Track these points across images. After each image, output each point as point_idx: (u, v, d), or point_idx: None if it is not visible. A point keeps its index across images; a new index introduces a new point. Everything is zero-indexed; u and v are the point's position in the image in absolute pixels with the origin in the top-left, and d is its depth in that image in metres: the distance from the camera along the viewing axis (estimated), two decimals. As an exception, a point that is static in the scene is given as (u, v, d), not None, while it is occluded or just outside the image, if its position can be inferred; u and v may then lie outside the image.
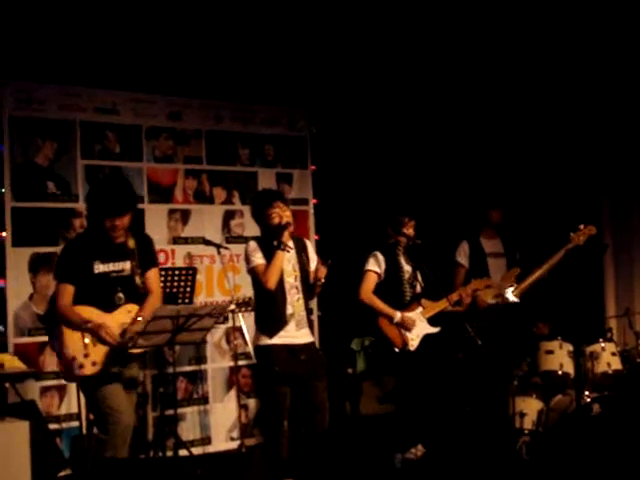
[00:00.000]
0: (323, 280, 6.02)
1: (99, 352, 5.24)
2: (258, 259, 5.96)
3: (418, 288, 7.04)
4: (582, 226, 7.25)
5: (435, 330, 6.96)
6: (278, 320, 5.96)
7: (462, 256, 7.49)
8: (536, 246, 8.04)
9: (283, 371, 5.93)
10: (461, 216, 8.40)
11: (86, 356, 5.21)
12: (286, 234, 5.96)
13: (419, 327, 6.88)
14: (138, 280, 5.43)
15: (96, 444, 5.41)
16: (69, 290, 5.28)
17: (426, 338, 6.90)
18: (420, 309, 6.95)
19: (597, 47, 8.16)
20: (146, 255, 5.55)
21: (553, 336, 7.44)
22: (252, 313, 6.38)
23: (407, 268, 7.00)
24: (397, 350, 6.79)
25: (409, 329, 6.83)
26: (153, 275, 5.58)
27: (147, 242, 5.64)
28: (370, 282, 6.89)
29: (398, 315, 6.81)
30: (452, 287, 7.23)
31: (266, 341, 5.96)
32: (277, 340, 5.94)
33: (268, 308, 6.01)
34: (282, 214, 6.01)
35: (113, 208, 5.27)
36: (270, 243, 5.96)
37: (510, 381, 7.13)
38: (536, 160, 9.97)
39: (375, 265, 6.88)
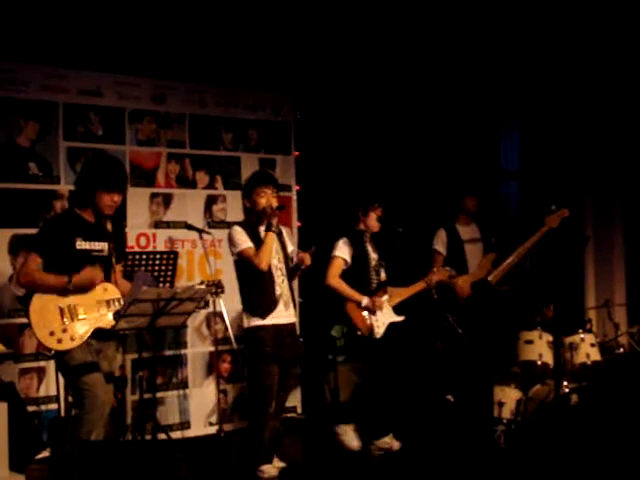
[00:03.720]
0: (308, 264, 6.26)
1: (78, 327, 5.29)
2: (245, 242, 6.11)
3: (383, 275, 7.10)
4: (554, 207, 7.21)
5: (400, 319, 7.03)
6: (270, 301, 6.18)
7: (440, 244, 7.47)
8: (512, 231, 8.06)
9: (273, 351, 6.14)
10: (437, 203, 8.39)
11: (64, 331, 5.26)
12: (276, 218, 6.18)
13: (385, 314, 6.93)
14: (114, 261, 5.51)
15: (74, 421, 5.42)
16: (37, 261, 5.29)
17: (392, 327, 6.95)
18: (386, 297, 6.99)
19: (582, 47, 8.20)
20: (121, 247, 5.71)
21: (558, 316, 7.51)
22: (230, 297, 6.46)
23: (374, 255, 7.07)
24: (361, 334, 6.83)
25: (376, 312, 6.86)
26: (119, 269, 5.71)
27: (123, 233, 5.89)
28: (337, 268, 6.92)
29: (366, 299, 6.85)
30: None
31: (258, 322, 6.15)
32: (268, 321, 6.15)
33: (258, 290, 6.18)
34: (270, 198, 6.16)
35: (115, 182, 5.37)
36: (254, 225, 6.14)
37: (494, 371, 7.19)
38: (521, 151, 10.03)
39: (342, 251, 6.91)
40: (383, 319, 6.91)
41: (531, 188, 9.97)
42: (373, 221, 7.04)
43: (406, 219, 7.46)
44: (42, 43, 6.84)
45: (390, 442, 6.91)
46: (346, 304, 6.87)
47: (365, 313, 6.87)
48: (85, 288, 5.32)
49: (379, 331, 6.87)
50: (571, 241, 8.70)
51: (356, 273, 6.91)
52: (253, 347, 6.21)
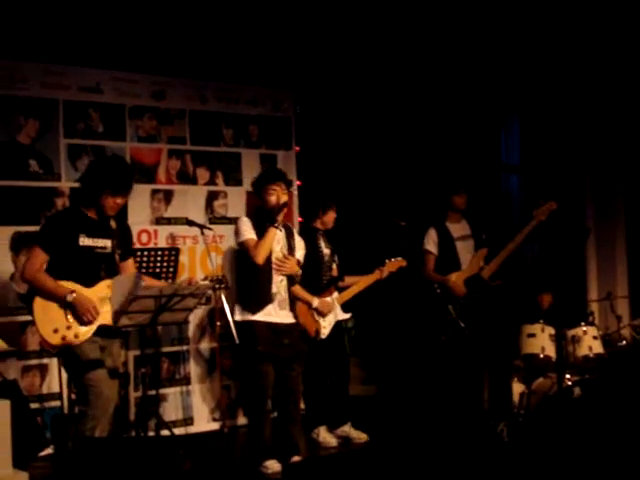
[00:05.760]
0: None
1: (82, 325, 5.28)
2: (249, 233, 6.09)
3: (335, 270, 7.13)
4: (542, 201, 7.18)
5: (347, 316, 7.13)
6: (263, 296, 6.12)
7: (431, 244, 7.36)
8: (513, 225, 8.04)
9: (266, 351, 6.06)
10: (426, 202, 8.36)
11: (68, 328, 5.25)
12: (281, 214, 6.10)
13: (332, 314, 6.97)
14: (118, 259, 5.51)
15: (78, 418, 5.42)
16: (42, 257, 5.29)
17: (337, 324, 7.00)
18: (335, 294, 7.05)
19: (581, 40, 8.20)
20: (127, 244, 5.69)
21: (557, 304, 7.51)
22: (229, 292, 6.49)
23: (326, 251, 7.07)
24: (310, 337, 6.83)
25: (325, 315, 6.88)
26: (132, 264, 5.74)
27: (128, 230, 5.78)
28: None
29: (316, 301, 6.84)
30: (422, 275, 7.22)
31: (249, 317, 6.11)
32: (260, 317, 6.09)
33: (253, 284, 6.14)
34: (280, 195, 6.13)
35: (122, 185, 5.38)
36: (262, 221, 6.08)
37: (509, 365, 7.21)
38: (522, 145, 10.02)
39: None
40: (330, 319, 6.94)
41: (532, 182, 9.97)
42: (331, 219, 7.12)
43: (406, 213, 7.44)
44: (41, 40, 6.85)
45: (348, 431, 7.01)
46: (296, 304, 6.81)
47: (314, 315, 6.87)
48: (79, 312, 5.28)
49: (325, 332, 6.90)
50: (573, 234, 8.69)
51: (308, 269, 6.83)
52: (244, 342, 6.13)
